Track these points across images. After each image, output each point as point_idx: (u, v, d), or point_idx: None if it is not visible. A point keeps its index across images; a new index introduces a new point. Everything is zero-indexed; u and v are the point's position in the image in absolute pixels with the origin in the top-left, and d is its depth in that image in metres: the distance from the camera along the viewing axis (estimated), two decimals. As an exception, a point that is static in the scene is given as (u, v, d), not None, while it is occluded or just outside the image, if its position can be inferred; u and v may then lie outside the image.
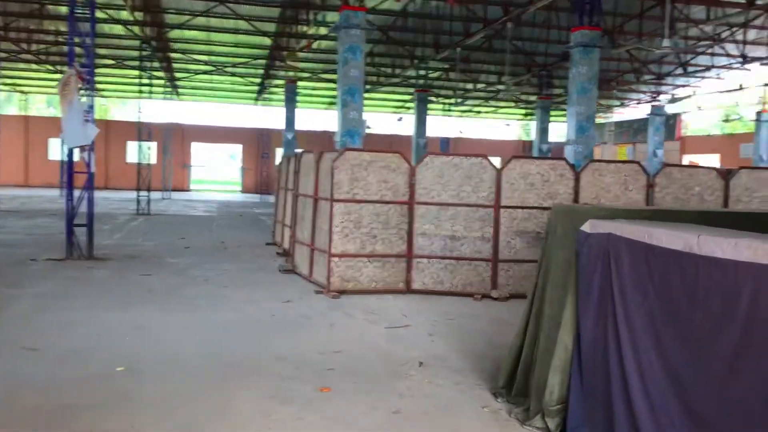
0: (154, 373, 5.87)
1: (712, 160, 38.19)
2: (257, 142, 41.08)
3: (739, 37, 25.07)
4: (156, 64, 27.54)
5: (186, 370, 5.98)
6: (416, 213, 10.01)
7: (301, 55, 27.95)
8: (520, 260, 10.11)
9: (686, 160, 40.02)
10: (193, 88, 39.29)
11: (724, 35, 25.08)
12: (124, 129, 38.96)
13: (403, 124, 40.31)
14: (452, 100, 36.67)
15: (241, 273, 11.44)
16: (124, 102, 45.22)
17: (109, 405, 5.07)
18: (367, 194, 9.87)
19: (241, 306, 8.80)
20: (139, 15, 22.38)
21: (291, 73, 29.60)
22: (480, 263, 10.06)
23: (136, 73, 27.06)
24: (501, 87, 31.97)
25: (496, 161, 10.25)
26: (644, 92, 37.93)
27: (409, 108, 42.03)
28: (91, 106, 11.87)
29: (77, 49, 12.41)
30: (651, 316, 3.78)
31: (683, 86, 35.85)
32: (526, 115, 45.42)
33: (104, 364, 6.05)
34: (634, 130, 44.87)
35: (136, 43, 25.35)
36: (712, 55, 28.28)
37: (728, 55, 28.13)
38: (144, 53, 23.95)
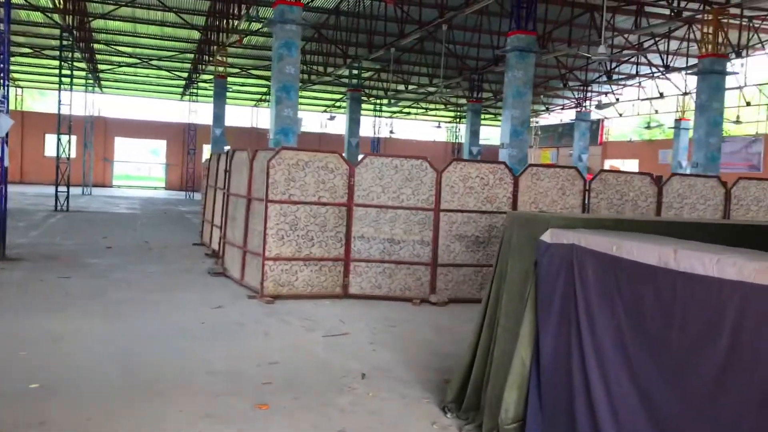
0: (73, 390, 5.33)
1: (632, 165, 39.45)
2: (183, 138, 39.85)
3: (663, 47, 25.88)
4: (78, 55, 26.19)
5: (108, 387, 5.47)
6: (355, 215, 9.69)
7: (230, 50, 27.18)
8: (460, 264, 9.94)
9: (607, 164, 41.22)
10: (117, 80, 37.77)
11: (647, 45, 25.85)
12: (42, 121, 37.05)
13: (333, 123, 39.86)
14: (384, 101, 36.54)
15: (168, 276, 10.84)
16: (43, 93, 43.01)
17: (19, 430, 4.54)
18: (304, 195, 9.48)
19: (169, 312, 8.27)
20: (59, 2, 21.17)
21: (220, 69, 28.74)
22: (419, 267, 9.84)
23: (56, 63, 25.66)
24: (432, 89, 32.06)
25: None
26: (569, 98, 38.85)
27: (339, 107, 41.67)
28: (5, 97, 11.04)
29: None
30: (620, 333, 3.58)
31: (606, 93, 36.88)
32: (455, 117, 45.79)
33: (15, 381, 5.47)
34: (559, 134, 45.94)
35: (56, 31, 24.03)
36: (637, 63, 29.14)
37: (651, 64, 29.06)
38: (65, 43, 22.68)
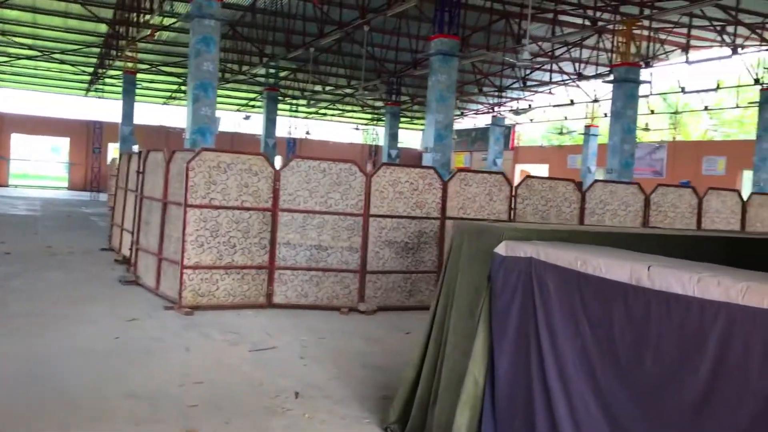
0: (-31, 422, 4.72)
1: (542, 170, 40.49)
2: (88, 136, 37.95)
3: (576, 54, 26.60)
4: (-30, 45, 24.45)
5: (7, 417, 4.86)
6: (280, 221, 9.26)
7: (140, 45, 26.01)
8: (389, 271, 9.68)
9: (519, 169, 42.17)
10: (14, 74, 35.50)
11: (558, 53, 26.50)
12: (-71, 115, 34.44)
13: (247, 123, 38.90)
14: (301, 101, 36.02)
15: (75, 285, 10.06)
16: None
17: None
18: (225, 199, 8.97)
19: (77, 327, 7.59)
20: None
21: (129, 64, 27.44)
22: (347, 275, 9.51)
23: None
24: (348, 90, 31.80)
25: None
26: (483, 103, 39.49)
27: (254, 106, 40.77)
28: None
29: None
30: (586, 355, 3.38)
31: (518, 99, 37.71)
32: (372, 119, 45.72)
33: None
34: (472, 138, 46.63)
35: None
36: (550, 71, 29.85)
37: (562, 71, 29.84)
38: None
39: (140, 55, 28.31)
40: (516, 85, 33.49)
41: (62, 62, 30.47)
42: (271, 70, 31.84)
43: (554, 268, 3.65)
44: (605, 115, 34.49)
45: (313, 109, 41.18)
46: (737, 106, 29.86)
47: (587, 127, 35.20)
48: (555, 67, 28.97)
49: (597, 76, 27.72)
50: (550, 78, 30.13)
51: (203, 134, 13.07)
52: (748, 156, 26.17)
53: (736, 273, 2.89)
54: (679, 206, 11.93)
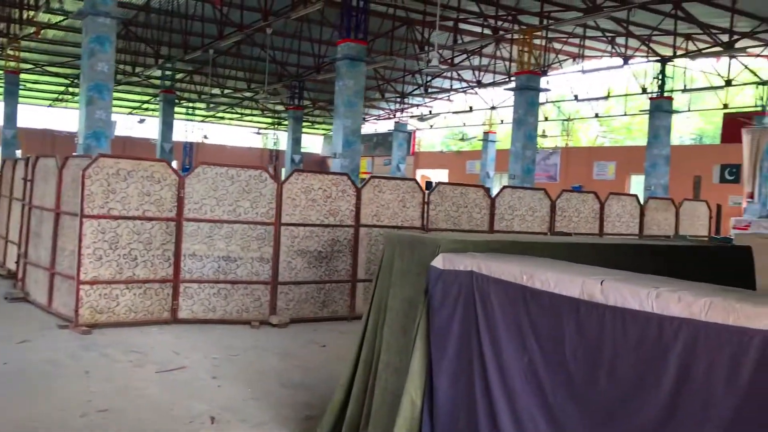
0: None
1: (442, 175, 41.14)
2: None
3: (475, 62, 27.15)
4: None
5: None
6: (185, 231, 8.74)
7: (24, 43, 24.39)
8: (301, 282, 9.36)
9: (419, 174, 42.66)
10: None
11: (458, 60, 26.97)
12: None
13: (141, 127, 37.31)
14: (200, 105, 34.93)
15: (-47, 304, 9.15)
16: None
17: None
18: (126, 209, 8.37)
19: (-42, 352, 6.85)
20: None
21: (12, 64, 25.63)
22: (258, 286, 9.10)
23: None
24: (248, 94, 31.11)
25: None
26: (384, 109, 39.70)
27: (147, 109, 39.21)
28: None
29: None
30: (534, 373, 3.24)
31: (418, 105, 38.19)
32: (273, 123, 45.00)
33: None
34: (374, 144, 46.78)
35: None
36: (451, 78, 30.34)
37: (462, 79, 30.42)
38: None
39: (24, 54, 26.54)
40: (417, 92, 33.87)
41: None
42: (167, 72, 30.68)
43: (498, 283, 3.49)
44: (501, 122, 35.50)
45: (211, 113, 40.06)
46: (626, 114, 31.37)
47: (486, 133, 36.07)
48: (455, 74, 29.47)
49: (494, 84, 28.44)
50: (451, 85, 30.63)
51: (98, 139, 12.27)
52: (636, 161, 27.59)
53: (694, 287, 2.82)
54: (582, 211, 12.25)
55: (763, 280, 6.42)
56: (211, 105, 33.70)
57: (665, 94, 22.17)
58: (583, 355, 3.02)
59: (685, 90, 24.91)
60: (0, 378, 6.11)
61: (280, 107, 37.54)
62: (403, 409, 3.96)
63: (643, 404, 2.76)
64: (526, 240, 4.52)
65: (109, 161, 8.41)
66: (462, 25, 22.45)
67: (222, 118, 43.64)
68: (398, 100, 36.24)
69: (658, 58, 22.26)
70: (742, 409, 2.44)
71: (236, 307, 9.00)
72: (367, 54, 21.54)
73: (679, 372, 2.62)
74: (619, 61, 22.66)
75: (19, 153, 24.80)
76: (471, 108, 34.83)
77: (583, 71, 24.61)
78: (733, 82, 23.62)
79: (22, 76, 27.74)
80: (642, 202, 13.48)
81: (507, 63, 25.99)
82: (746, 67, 23.22)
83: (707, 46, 20.39)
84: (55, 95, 37.24)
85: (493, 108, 34.69)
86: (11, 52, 24.74)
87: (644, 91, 24.88)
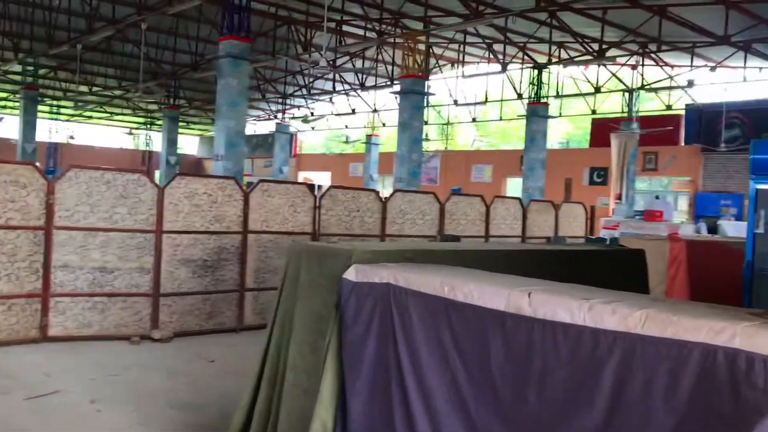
0: None
1: (325, 178, 40.88)
2: None
3: (358, 65, 27.12)
4: None
5: None
6: (56, 240, 7.98)
7: None
8: (185, 293, 8.82)
9: (301, 176, 42.18)
10: None
11: (340, 62, 26.82)
12: None
13: (1, 126, 34.47)
14: (67, 103, 32.74)
15: None
16: None
17: None
18: (-15, 217, 7.54)
19: None
20: None
21: None
22: (138, 299, 8.47)
23: None
24: (119, 92, 29.51)
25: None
26: (264, 109, 38.93)
27: (6, 107, 36.35)
28: None
29: None
30: (458, 391, 3.06)
31: (300, 107, 37.73)
32: (145, 123, 42.98)
33: None
34: (254, 145, 45.81)
35: None
36: (333, 80, 30.13)
37: (344, 81, 30.31)
38: None
39: None
40: (299, 93, 33.42)
41: None
42: (29, 67, 28.50)
43: (417, 295, 3.29)
44: (384, 124, 35.73)
45: (78, 111, 37.69)
46: (501, 119, 32.39)
47: (369, 136, 36.14)
48: (337, 76, 29.30)
49: (377, 86, 28.54)
50: (333, 87, 30.42)
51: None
52: (511, 164, 28.54)
53: (627, 298, 2.74)
54: (469, 214, 12.39)
55: (652, 281, 6.65)
56: (79, 103, 31.63)
57: (541, 100, 23.03)
58: (511, 372, 2.88)
59: (558, 96, 26.03)
60: None
61: (153, 106, 35.91)
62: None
63: (576, 423, 2.64)
64: (440, 248, 4.35)
65: (-35, 164, 7.54)
66: (345, 27, 22.30)
67: (90, 117, 41.19)
68: (279, 100, 35.63)
69: (534, 64, 23.10)
70: (681, 426, 2.37)
71: (114, 321, 8.34)
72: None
73: (615, 388, 2.52)
74: (498, 66, 23.31)
75: None
76: (354, 110, 34.78)
77: (464, 76, 25.15)
78: (602, 89, 24.95)
79: None
80: (523, 205, 13.84)
81: (389, 66, 26.13)
82: (614, 74, 24.59)
83: (579, 54, 21.37)
84: None
85: (375, 111, 34.82)
86: None
87: (520, 96, 25.76)
